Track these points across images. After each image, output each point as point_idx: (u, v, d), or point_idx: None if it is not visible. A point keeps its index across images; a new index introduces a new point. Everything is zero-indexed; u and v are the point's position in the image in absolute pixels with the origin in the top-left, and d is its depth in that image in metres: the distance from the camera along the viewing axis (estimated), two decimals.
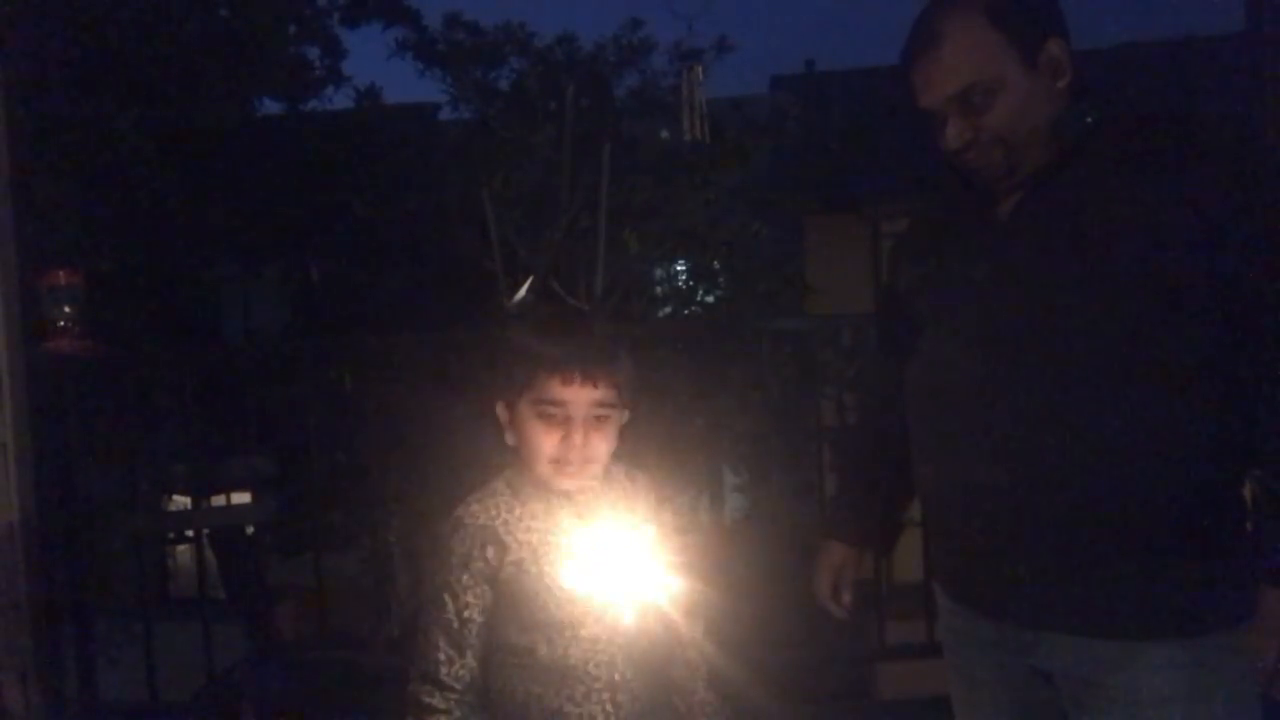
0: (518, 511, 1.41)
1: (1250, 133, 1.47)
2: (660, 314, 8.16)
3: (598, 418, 1.38)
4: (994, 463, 1.33)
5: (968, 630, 1.49)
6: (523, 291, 7.07)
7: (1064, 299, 1.30)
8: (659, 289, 8.48)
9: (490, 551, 1.38)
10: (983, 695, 1.50)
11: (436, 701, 1.35)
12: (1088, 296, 1.29)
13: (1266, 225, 1.26)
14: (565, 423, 1.37)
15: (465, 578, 1.37)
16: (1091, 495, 1.28)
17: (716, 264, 8.22)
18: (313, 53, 8.30)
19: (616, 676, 1.39)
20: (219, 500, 4.25)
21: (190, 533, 4.61)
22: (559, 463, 1.38)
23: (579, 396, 1.36)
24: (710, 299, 8.32)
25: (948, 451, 1.40)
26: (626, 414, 1.44)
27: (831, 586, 1.68)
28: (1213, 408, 1.28)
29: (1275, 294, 1.25)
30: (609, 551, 1.42)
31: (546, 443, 1.38)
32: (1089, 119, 1.35)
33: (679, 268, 8.37)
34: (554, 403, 1.36)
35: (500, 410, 1.43)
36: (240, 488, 6.10)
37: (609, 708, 1.39)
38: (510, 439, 1.43)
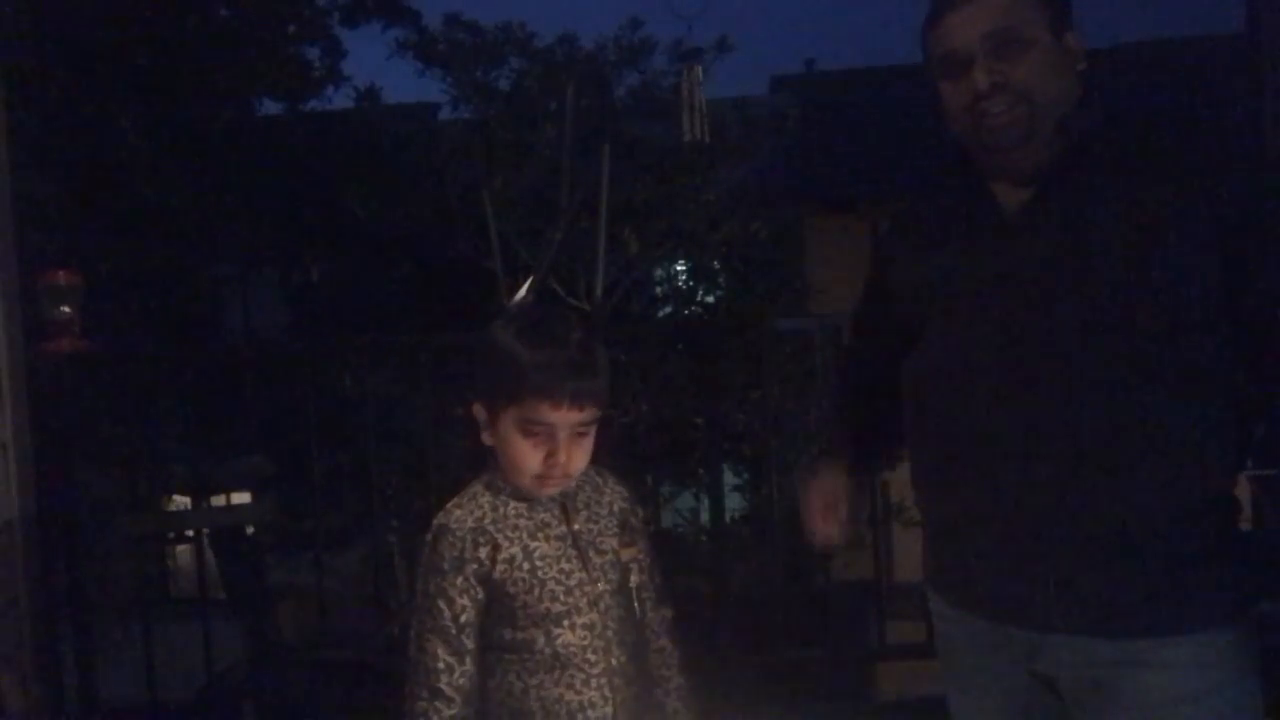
0: (502, 511, 1.42)
1: (1257, 141, 1.48)
2: (660, 314, 8.17)
3: (580, 434, 1.39)
4: (1001, 464, 1.33)
5: (965, 636, 1.48)
6: (523, 291, 7.07)
7: (1072, 302, 1.30)
8: (659, 289, 8.49)
9: (483, 552, 1.39)
10: (980, 702, 1.49)
11: None
12: (1095, 300, 1.29)
13: (1273, 234, 1.26)
14: (549, 440, 1.37)
15: (459, 581, 1.38)
16: (1098, 496, 1.29)
17: (716, 264, 8.23)
18: (313, 53, 8.30)
19: (614, 661, 1.42)
20: (219, 500, 4.26)
21: (190, 533, 4.62)
22: (541, 478, 1.39)
23: (566, 418, 1.36)
24: (710, 299, 8.33)
25: (953, 452, 1.40)
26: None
27: (823, 511, 1.62)
28: (1216, 410, 1.28)
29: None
30: (594, 541, 1.45)
31: (530, 460, 1.38)
32: (1096, 119, 1.36)
33: (679, 268, 8.38)
34: (540, 423, 1.36)
35: (478, 410, 1.42)
36: (240, 488, 6.11)
37: (607, 692, 1.41)
38: (487, 439, 1.43)
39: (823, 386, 3.46)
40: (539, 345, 1.36)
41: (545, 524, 1.43)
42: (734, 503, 7.44)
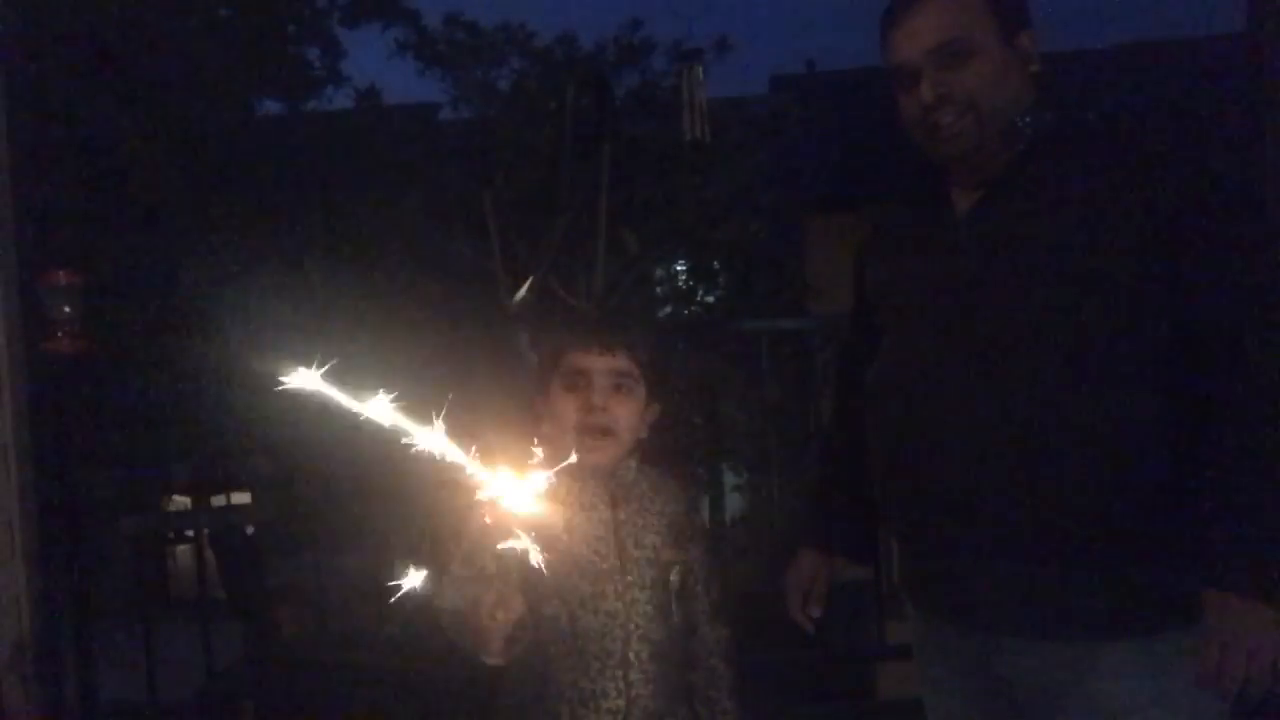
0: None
1: (1200, 141, 1.48)
2: (660, 314, 8.15)
3: (617, 387, 1.46)
4: (951, 466, 1.33)
5: (930, 637, 1.48)
6: (523, 291, 7.07)
7: (1019, 302, 1.30)
8: (659, 289, 8.48)
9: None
10: (950, 702, 1.49)
11: None
12: (1042, 300, 1.29)
13: (1216, 231, 1.26)
14: (587, 391, 1.46)
15: None
16: (1046, 496, 1.28)
17: (716, 264, 8.22)
18: (313, 53, 8.29)
19: (631, 655, 1.44)
20: (219, 500, 4.26)
21: (190, 533, 4.61)
22: (581, 430, 1.43)
23: (597, 364, 1.45)
24: (710, 299, 8.32)
25: (906, 455, 1.40)
26: (657, 408, 1.49)
27: (803, 597, 1.65)
28: (1164, 408, 1.27)
29: (1224, 298, 1.26)
30: (635, 534, 1.48)
31: (570, 410, 1.46)
32: (1049, 121, 1.36)
33: (679, 268, 8.37)
34: (577, 372, 1.47)
35: (538, 404, 1.52)
36: (240, 488, 6.11)
37: (621, 685, 1.43)
38: (547, 428, 1.49)
39: (821, 387, 3.46)
40: (572, 314, 1.50)
41: (592, 504, 1.48)
42: (734, 503, 7.43)
